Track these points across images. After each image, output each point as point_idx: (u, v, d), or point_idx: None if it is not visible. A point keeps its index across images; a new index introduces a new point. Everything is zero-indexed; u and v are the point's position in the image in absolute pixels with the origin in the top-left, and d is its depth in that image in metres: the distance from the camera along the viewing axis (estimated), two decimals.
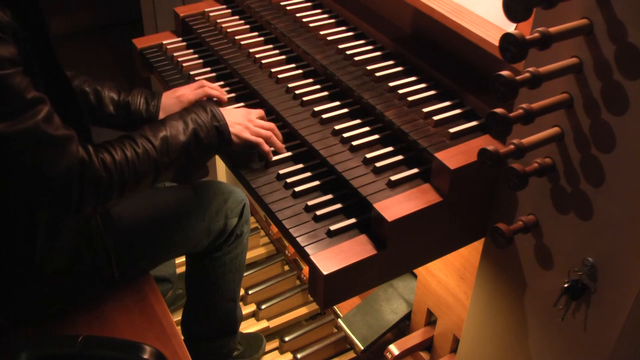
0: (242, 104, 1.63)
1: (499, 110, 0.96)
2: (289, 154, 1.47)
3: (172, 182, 1.43)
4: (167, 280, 2.24)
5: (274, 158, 1.45)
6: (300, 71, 1.66)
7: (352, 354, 2.23)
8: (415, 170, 1.33)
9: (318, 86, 1.60)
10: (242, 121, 1.43)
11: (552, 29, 0.94)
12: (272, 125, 1.48)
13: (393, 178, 1.30)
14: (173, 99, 1.60)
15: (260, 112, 1.51)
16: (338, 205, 1.32)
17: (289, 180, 1.38)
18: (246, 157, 1.45)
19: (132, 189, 1.30)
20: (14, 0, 1.14)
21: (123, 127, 1.61)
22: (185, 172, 1.41)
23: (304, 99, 1.54)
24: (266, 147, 1.43)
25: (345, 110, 1.51)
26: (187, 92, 1.60)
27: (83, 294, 1.56)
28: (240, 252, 1.86)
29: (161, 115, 1.59)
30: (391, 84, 1.49)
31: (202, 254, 1.78)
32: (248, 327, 2.27)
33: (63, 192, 1.19)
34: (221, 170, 2.51)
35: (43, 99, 1.16)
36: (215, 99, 1.60)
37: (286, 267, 2.51)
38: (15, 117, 1.11)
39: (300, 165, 1.44)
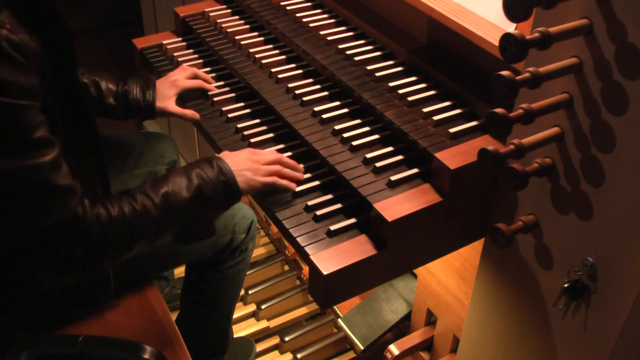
0: (242, 103, 1.63)
1: (499, 110, 0.96)
2: (289, 154, 1.46)
3: (175, 242, 1.33)
4: (163, 278, 2.23)
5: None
6: (300, 71, 1.66)
7: (352, 354, 2.23)
8: (415, 170, 1.33)
9: (318, 86, 1.60)
10: (249, 165, 1.32)
11: (552, 29, 0.94)
12: (278, 156, 1.39)
13: (393, 178, 1.30)
14: (167, 83, 1.62)
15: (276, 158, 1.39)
16: (338, 205, 1.32)
17: None
18: None
19: (128, 248, 1.22)
20: (43, 24, 1.10)
21: (121, 116, 1.62)
22: (188, 232, 1.32)
23: (304, 99, 1.54)
24: (283, 182, 1.33)
25: (345, 110, 1.51)
26: (180, 78, 1.63)
27: (81, 303, 1.54)
28: (242, 268, 1.85)
29: (157, 103, 1.60)
30: (391, 84, 1.49)
31: (205, 265, 1.78)
32: (248, 327, 2.27)
33: (51, 247, 1.12)
34: None
35: (52, 143, 1.10)
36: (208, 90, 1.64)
37: (286, 267, 2.51)
38: (15, 153, 1.05)
39: (300, 166, 1.44)
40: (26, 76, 1.05)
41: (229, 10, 1.97)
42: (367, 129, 1.45)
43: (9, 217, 1.11)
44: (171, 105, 1.60)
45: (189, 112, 1.60)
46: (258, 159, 1.35)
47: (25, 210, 1.09)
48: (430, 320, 1.91)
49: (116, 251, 1.21)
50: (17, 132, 1.05)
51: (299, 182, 1.37)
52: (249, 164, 1.33)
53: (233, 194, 1.31)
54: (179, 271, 2.35)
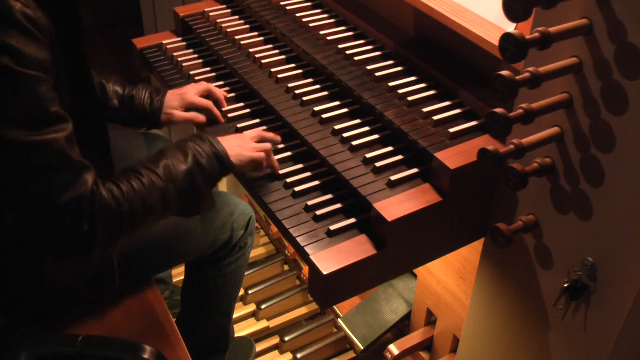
0: (242, 103, 1.63)
1: (499, 110, 0.96)
2: (289, 154, 1.47)
3: (179, 215, 1.37)
4: (162, 282, 2.23)
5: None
6: (300, 71, 1.66)
7: (352, 354, 2.23)
8: (415, 170, 1.33)
9: (318, 86, 1.60)
10: (239, 143, 1.39)
11: (552, 29, 0.94)
12: (257, 131, 1.46)
13: (393, 178, 1.30)
14: (176, 95, 1.61)
15: (256, 132, 1.47)
16: (338, 205, 1.32)
17: (289, 180, 1.38)
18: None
19: (142, 221, 1.24)
20: (56, 6, 1.10)
21: (126, 122, 1.61)
22: (192, 203, 1.35)
23: (304, 99, 1.54)
24: (271, 158, 1.40)
25: (345, 110, 1.51)
26: (190, 92, 1.61)
27: (84, 297, 1.55)
28: (242, 265, 1.85)
29: (163, 113, 1.59)
30: (391, 84, 1.49)
31: (204, 262, 1.77)
32: (248, 327, 2.27)
33: (73, 225, 1.11)
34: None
35: (66, 119, 1.10)
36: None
37: (286, 267, 2.51)
38: (35, 126, 1.05)
39: (300, 166, 1.44)
40: (40, 50, 1.05)
41: (229, 10, 1.97)
42: (367, 129, 1.45)
43: (27, 195, 1.09)
44: (175, 114, 1.59)
45: (194, 116, 1.59)
46: (246, 139, 1.42)
47: (43, 185, 1.08)
48: (430, 320, 1.91)
49: (132, 223, 1.21)
50: (33, 104, 1.05)
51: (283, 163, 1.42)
52: (239, 142, 1.40)
53: (225, 165, 1.35)
54: (178, 275, 2.35)
